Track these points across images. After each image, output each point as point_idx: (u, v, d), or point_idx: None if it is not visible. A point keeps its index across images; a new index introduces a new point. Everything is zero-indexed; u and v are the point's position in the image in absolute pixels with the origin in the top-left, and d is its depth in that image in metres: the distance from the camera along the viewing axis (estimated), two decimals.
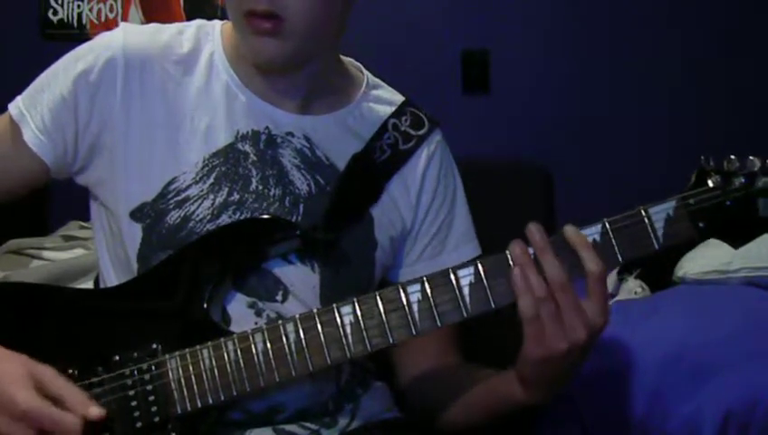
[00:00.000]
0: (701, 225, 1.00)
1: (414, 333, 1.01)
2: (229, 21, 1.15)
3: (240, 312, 1.12)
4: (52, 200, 2.42)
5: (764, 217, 1.00)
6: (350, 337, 1.01)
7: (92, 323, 1.10)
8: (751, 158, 1.00)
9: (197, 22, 1.21)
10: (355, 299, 1.02)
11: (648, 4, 2.39)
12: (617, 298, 2.00)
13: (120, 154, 1.13)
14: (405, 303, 1.01)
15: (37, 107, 1.14)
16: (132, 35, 1.15)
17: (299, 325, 1.02)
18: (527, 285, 0.97)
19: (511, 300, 0.99)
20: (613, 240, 1.00)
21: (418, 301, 1.01)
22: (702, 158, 1.02)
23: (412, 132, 1.24)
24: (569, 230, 0.99)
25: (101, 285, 1.21)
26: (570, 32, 2.43)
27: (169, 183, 1.12)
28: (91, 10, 2.54)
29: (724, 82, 2.37)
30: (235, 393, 1.03)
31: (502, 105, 2.44)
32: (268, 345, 1.02)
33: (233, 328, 1.09)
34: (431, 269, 1.19)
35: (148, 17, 2.51)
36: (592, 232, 1.00)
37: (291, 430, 1.14)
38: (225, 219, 1.12)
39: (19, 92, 1.17)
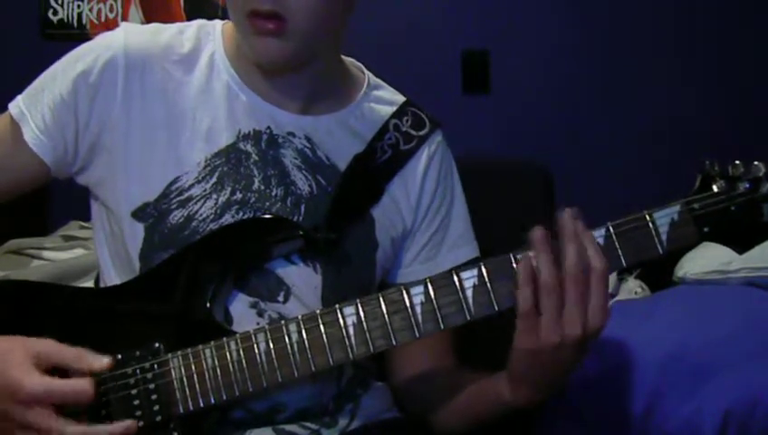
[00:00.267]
0: (706, 229, 1.00)
1: (417, 335, 1.01)
2: (230, 21, 1.15)
3: (242, 312, 1.12)
4: (52, 200, 2.42)
5: None
6: (352, 338, 1.01)
7: (95, 322, 1.10)
8: (756, 163, 1.00)
9: (198, 22, 1.21)
10: (358, 300, 1.02)
11: (648, 4, 2.40)
12: (617, 298, 2.01)
13: (120, 154, 1.13)
14: (408, 304, 1.01)
15: (38, 106, 1.14)
16: (133, 35, 1.15)
17: (302, 326, 1.02)
18: (531, 274, 0.96)
19: (514, 302, 0.99)
20: (617, 244, 1.00)
21: (422, 303, 1.01)
22: (707, 162, 1.02)
23: (413, 133, 1.24)
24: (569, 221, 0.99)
25: (102, 285, 1.21)
26: (570, 32, 2.43)
27: (172, 183, 1.12)
28: (91, 10, 2.54)
29: (724, 83, 2.37)
30: (237, 393, 1.03)
31: (502, 105, 2.45)
32: (271, 345, 1.02)
33: (234, 328, 1.09)
34: (427, 271, 1.20)
35: (148, 17, 2.51)
36: (596, 235, 0.99)
37: (291, 429, 1.14)
38: (227, 219, 1.12)
39: (19, 92, 1.17)
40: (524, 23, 2.45)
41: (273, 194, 1.15)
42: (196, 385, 1.03)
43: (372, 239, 1.19)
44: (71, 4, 2.55)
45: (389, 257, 1.22)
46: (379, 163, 1.20)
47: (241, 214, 1.13)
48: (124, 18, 2.53)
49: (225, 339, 1.03)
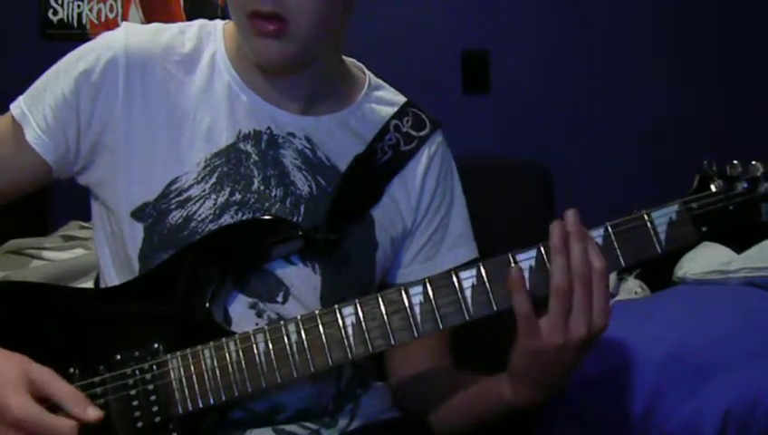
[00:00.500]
0: (704, 229, 1.00)
1: (416, 335, 1.01)
2: (231, 21, 1.15)
3: (241, 312, 1.12)
4: (52, 200, 2.42)
5: (767, 222, 1.00)
6: (351, 338, 1.01)
7: (94, 323, 1.10)
8: (753, 163, 1.01)
9: (199, 21, 1.21)
10: (357, 300, 1.02)
11: (648, 5, 2.40)
12: (617, 298, 2.01)
13: (121, 154, 1.13)
14: (407, 304, 1.01)
15: (39, 107, 1.14)
16: (134, 35, 1.15)
17: (301, 326, 1.02)
18: (522, 281, 0.97)
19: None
20: (615, 244, 1.00)
21: (420, 303, 1.01)
22: (705, 162, 1.02)
23: (413, 133, 1.24)
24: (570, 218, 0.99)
25: (102, 285, 1.21)
26: (570, 32, 2.43)
27: (171, 183, 1.12)
28: (91, 10, 2.54)
29: (724, 83, 2.37)
30: (236, 394, 1.02)
31: (502, 105, 2.45)
32: (270, 346, 1.02)
33: (233, 329, 1.09)
34: (426, 271, 1.20)
35: (149, 17, 2.51)
36: (594, 235, 0.99)
37: (291, 430, 1.14)
38: (227, 219, 1.12)
39: (20, 92, 1.17)
40: (524, 23, 2.44)
41: (273, 194, 1.14)
42: (196, 386, 1.03)
43: (372, 240, 1.19)
44: (71, 4, 2.55)
45: (389, 258, 1.22)
46: (379, 164, 1.20)
47: (240, 214, 1.12)
48: (124, 18, 2.53)
49: (224, 339, 1.03)
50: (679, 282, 1.91)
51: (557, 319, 0.96)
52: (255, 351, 1.02)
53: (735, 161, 1.01)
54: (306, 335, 1.02)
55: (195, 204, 1.12)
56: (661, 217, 1.00)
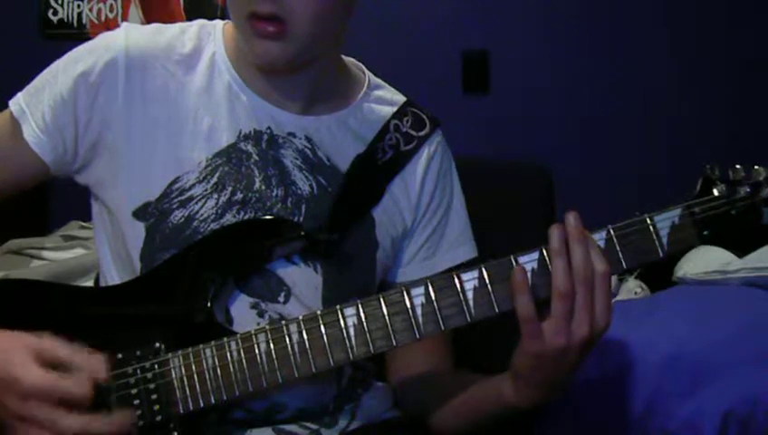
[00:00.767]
0: (706, 233, 1.00)
1: (417, 336, 1.00)
2: (231, 21, 1.15)
3: (242, 312, 1.12)
4: (52, 200, 2.42)
5: None
6: (353, 339, 1.01)
7: (96, 322, 1.10)
8: (756, 167, 1.01)
9: (199, 22, 1.21)
10: (359, 301, 1.02)
11: (648, 4, 2.40)
12: (617, 298, 2.01)
13: (121, 154, 1.13)
14: (408, 306, 1.00)
15: (38, 105, 1.14)
16: (134, 35, 1.15)
17: (302, 326, 1.02)
18: (525, 282, 0.97)
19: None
20: (617, 247, 1.00)
21: (422, 304, 1.00)
22: (707, 166, 1.02)
23: (413, 133, 1.24)
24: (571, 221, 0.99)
25: (102, 285, 1.21)
26: (570, 32, 2.43)
27: (173, 183, 1.12)
28: (91, 10, 2.55)
29: (726, 85, 2.37)
30: (237, 393, 1.02)
31: (502, 105, 2.45)
32: (271, 346, 1.02)
33: (235, 328, 1.09)
34: (425, 270, 1.20)
35: (149, 17, 2.52)
36: (596, 238, 0.99)
37: (291, 429, 1.15)
38: (228, 219, 1.12)
39: (19, 92, 1.17)
40: (524, 23, 2.45)
41: (274, 194, 1.14)
42: (197, 385, 1.03)
43: (373, 239, 1.19)
44: (71, 4, 2.55)
45: (389, 257, 1.22)
46: (380, 164, 1.20)
47: (242, 214, 1.13)
48: (124, 18, 2.53)
49: (225, 339, 1.03)
50: (679, 282, 1.92)
51: (559, 321, 0.96)
52: (257, 350, 1.02)
53: (738, 165, 1.01)
54: (308, 336, 1.02)
55: (196, 203, 1.12)
56: (663, 221, 1.00)
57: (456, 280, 1.00)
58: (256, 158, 1.15)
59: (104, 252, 1.20)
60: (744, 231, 1.01)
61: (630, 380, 1.51)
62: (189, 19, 1.23)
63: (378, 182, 1.20)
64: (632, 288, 2.05)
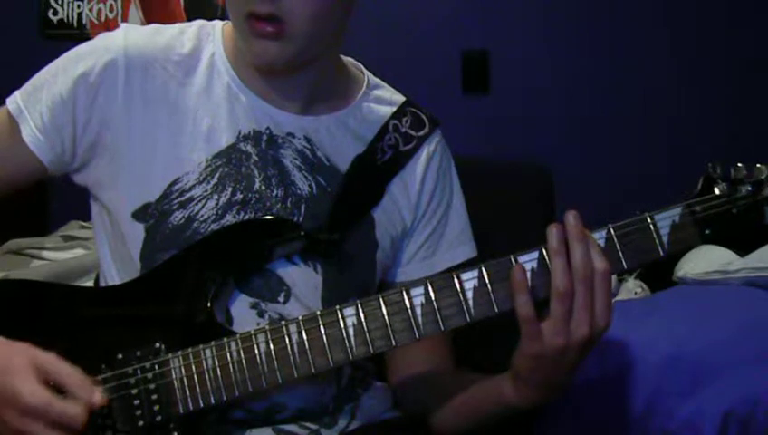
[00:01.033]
0: (707, 232, 1.00)
1: (417, 336, 1.00)
2: (230, 21, 1.15)
3: (242, 312, 1.12)
4: (52, 200, 2.42)
5: None
6: (352, 339, 1.01)
7: (96, 322, 1.10)
8: (758, 165, 1.00)
9: (198, 22, 1.21)
10: (358, 301, 1.01)
11: (648, 4, 2.40)
12: (617, 298, 2.01)
13: (121, 155, 1.13)
14: (408, 306, 1.00)
15: (36, 105, 1.14)
16: (133, 36, 1.15)
17: (302, 326, 1.02)
18: (525, 282, 0.97)
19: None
20: (617, 246, 0.99)
21: (422, 304, 1.00)
22: (709, 165, 1.01)
23: (413, 133, 1.24)
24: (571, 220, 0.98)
25: (103, 285, 1.21)
26: (570, 32, 2.43)
27: (173, 183, 1.12)
28: (91, 10, 2.55)
29: (727, 84, 2.37)
30: (237, 393, 1.02)
31: (502, 105, 2.45)
32: (271, 346, 1.02)
33: (235, 328, 1.09)
34: (424, 269, 1.20)
35: (149, 17, 2.52)
36: (596, 237, 0.99)
37: (290, 429, 1.15)
38: (229, 219, 1.12)
39: None
40: (524, 23, 2.45)
41: (274, 194, 1.14)
42: (197, 385, 1.03)
43: (372, 239, 1.19)
44: (71, 4, 2.55)
45: (389, 257, 1.22)
46: (379, 164, 1.20)
47: (242, 214, 1.13)
48: (124, 18, 2.53)
49: (225, 339, 1.03)
50: (679, 282, 1.92)
51: (559, 321, 0.96)
52: (256, 351, 1.02)
53: (740, 164, 1.01)
54: (307, 336, 1.02)
55: (197, 204, 1.12)
56: (664, 220, 0.99)
57: (456, 280, 1.00)
58: (256, 158, 1.15)
59: (104, 252, 1.20)
60: (745, 230, 1.00)
61: (630, 380, 1.51)
62: (190, 19, 1.23)
63: (377, 182, 1.20)
64: (632, 288, 2.05)
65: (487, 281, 1.00)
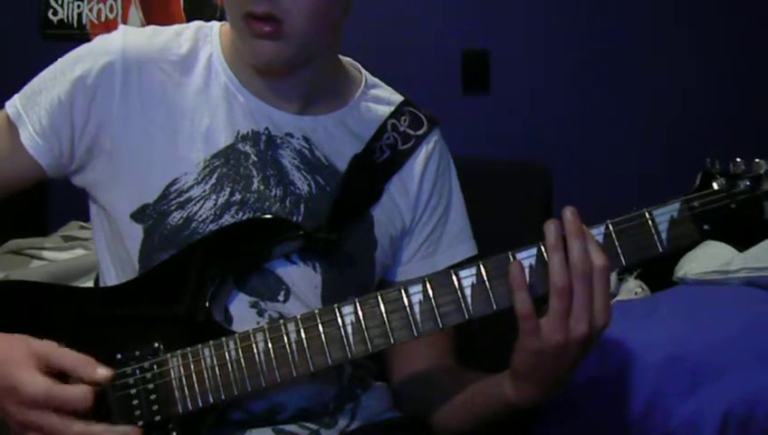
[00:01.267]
0: (706, 227, 0.99)
1: (415, 334, 1.00)
2: (227, 22, 1.15)
3: (242, 312, 1.12)
4: (52, 200, 2.42)
5: None
6: (351, 337, 1.01)
7: (95, 322, 1.10)
8: (757, 160, 1.00)
9: (196, 23, 1.21)
10: (356, 299, 1.01)
11: (648, 5, 2.40)
12: (617, 298, 2.01)
13: (119, 156, 1.13)
14: (406, 304, 1.00)
15: (35, 108, 1.14)
16: (131, 38, 1.15)
17: (300, 325, 1.02)
18: (523, 278, 0.97)
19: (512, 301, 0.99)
20: (616, 242, 0.99)
21: (420, 302, 1.00)
22: (707, 160, 1.01)
23: (411, 132, 1.24)
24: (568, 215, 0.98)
25: (102, 285, 1.21)
26: (570, 32, 2.44)
27: (171, 184, 1.12)
28: (91, 10, 2.55)
29: (726, 82, 2.37)
30: (236, 393, 1.02)
31: (502, 105, 2.45)
32: (269, 345, 1.02)
33: (234, 328, 1.09)
34: (425, 268, 1.20)
35: (149, 18, 2.52)
36: (595, 233, 0.99)
37: (290, 430, 1.14)
38: (227, 219, 1.12)
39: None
40: (524, 23, 2.45)
41: (273, 194, 1.14)
42: (195, 385, 1.03)
43: (372, 238, 1.19)
44: (71, 5, 2.55)
45: (388, 256, 1.22)
46: (377, 163, 1.20)
47: (240, 214, 1.12)
48: (124, 18, 2.53)
49: (223, 339, 1.03)
50: (679, 282, 1.92)
51: (558, 318, 0.96)
52: (255, 350, 1.02)
53: (738, 159, 1.00)
54: (306, 335, 1.01)
55: (195, 205, 1.12)
56: (662, 216, 0.99)
57: (454, 277, 1.00)
58: (254, 158, 1.15)
59: (103, 253, 1.20)
60: (744, 225, 0.99)
61: (630, 379, 1.51)
62: (189, 20, 1.24)
63: (376, 181, 1.20)
64: (632, 288, 2.05)
65: (485, 278, 1.00)
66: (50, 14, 2.56)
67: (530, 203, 1.66)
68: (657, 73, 2.39)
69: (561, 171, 1.77)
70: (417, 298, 1.00)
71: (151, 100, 1.13)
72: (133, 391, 1.03)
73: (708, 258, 1.84)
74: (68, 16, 2.55)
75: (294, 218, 1.14)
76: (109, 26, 2.50)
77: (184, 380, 1.03)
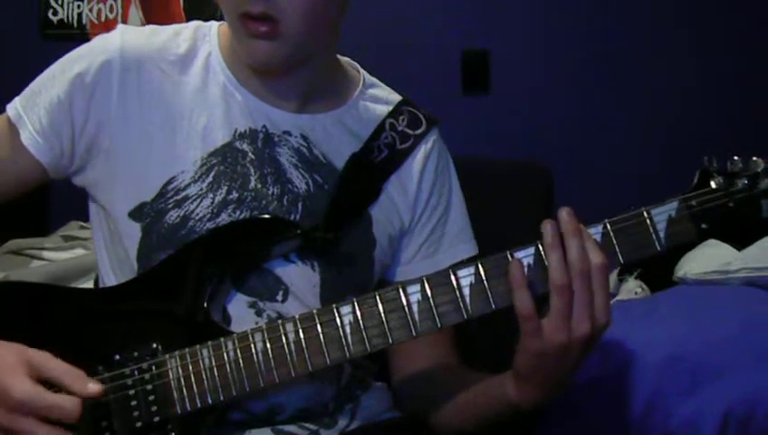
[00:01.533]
0: (703, 226, 0.99)
1: (414, 334, 1.00)
2: (226, 22, 1.15)
3: (240, 311, 1.12)
4: (52, 200, 2.42)
5: (767, 218, 1.00)
6: (349, 337, 1.01)
7: (93, 323, 1.10)
8: (754, 159, 1.00)
9: (194, 23, 1.21)
10: (355, 299, 1.01)
11: (647, 5, 2.40)
12: (617, 298, 2.01)
13: (117, 155, 1.13)
14: (405, 303, 1.00)
15: (34, 109, 1.14)
16: (130, 37, 1.15)
17: (298, 325, 1.02)
18: (523, 277, 0.96)
19: (512, 301, 0.98)
20: (614, 241, 0.99)
21: (418, 301, 1.00)
22: (705, 158, 1.01)
23: (409, 132, 1.24)
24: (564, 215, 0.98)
25: (101, 285, 1.21)
26: (570, 32, 2.44)
27: (168, 182, 1.12)
28: (91, 10, 2.55)
29: (725, 82, 2.37)
30: (234, 393, 1.02)
31: (502, 105, 2.45)
32: (268, 345, 1.02)
33: (233, 328, 1.09)
34: (426, 268, 1.20)
35: (149, 17, 2.52)
36: (593, 232, 0.99)
37: (290, 430, 1.14)
38: (224, 218, 1.12)
39: (19, 93, 1.17)
40: (524, 23, 2.45)
41: (270, 192, 1.14)
42: (194, 386, 1.03)
43: (370, 238, 1.19)
44: (71, 5, 2.55)
45: (387, 255, 1.22)
46: (376, 162, 1.20)
47: (237, 213, 1.12)
48: (124, 18, 2.53)
49: (222, 339, 1.03)
50: (679, 282, 1.91)
51: (559, 317, 0.96)
52: (253, 350, 1.02)
53: (736, 157, 1.00)
54: (304, 335, 1.01)
55: (192, 203, 1.12)
56: (660, 214, 0.99)
57: (453, 277, 1.00)
58: (252, 156, 1.15)
59: (102, 253, 1.20)
60: (742, 223, 0.99)
61: (630, 379, 1.51)
62: (189, 19, 1.24)
63: (374, 180, 1.20)
64: (632, 288, 2.04)
65: (484, 277, 0.99)
66: (50, 14, 2.56)
67: (530, 203, 1.66)
68: (657, 73, 2.39)
69: (561, 171, 1.77)
70: (415, 298, 1.00)
71: (150, 99, 1.13)
72: (131, 391, 1.03)
73: (708, 258, 1.83)
74: (68, 16, 2.55)
75: (292, 217, 1.14)
76: (109, 26, 2.50)
77: (182, 380, 1.03)
